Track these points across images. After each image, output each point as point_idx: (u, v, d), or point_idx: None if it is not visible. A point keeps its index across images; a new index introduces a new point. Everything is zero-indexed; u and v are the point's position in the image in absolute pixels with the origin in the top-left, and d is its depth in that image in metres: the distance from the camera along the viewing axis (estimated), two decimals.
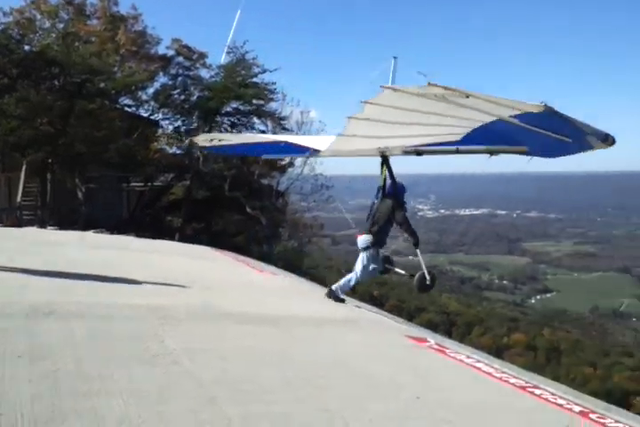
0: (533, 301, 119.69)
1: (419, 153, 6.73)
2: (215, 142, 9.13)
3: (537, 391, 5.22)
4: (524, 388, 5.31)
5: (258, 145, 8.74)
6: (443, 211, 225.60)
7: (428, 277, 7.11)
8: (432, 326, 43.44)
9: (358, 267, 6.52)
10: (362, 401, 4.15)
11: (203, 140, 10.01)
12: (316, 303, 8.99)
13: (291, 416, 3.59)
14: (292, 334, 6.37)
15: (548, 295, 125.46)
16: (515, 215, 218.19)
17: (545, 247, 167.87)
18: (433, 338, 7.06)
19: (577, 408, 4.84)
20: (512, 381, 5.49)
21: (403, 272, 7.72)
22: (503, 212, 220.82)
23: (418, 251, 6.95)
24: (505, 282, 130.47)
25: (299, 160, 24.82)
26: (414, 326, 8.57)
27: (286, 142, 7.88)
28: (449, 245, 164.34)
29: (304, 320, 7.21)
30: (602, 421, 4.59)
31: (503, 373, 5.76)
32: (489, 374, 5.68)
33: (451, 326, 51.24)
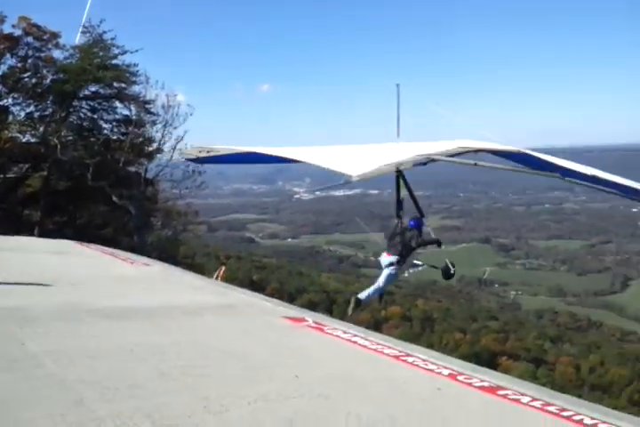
0: (407, 274, 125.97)
1: (425, 163, 6.88)
2: (204, 154, 8.40)
3: (410, 359, 5.49)
4: (397, 357, 5.56)
5: (255, 154, 8.03)
6: (318, 193, 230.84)
7: (452, 267, 7.51)
8: (313, 306, 44.39)
9: (382, 280, 6.60)
10: (241, 386, 4.12)
11: (192, 151, 9.02)
12: (191, 292, 8.80)
13: (166, 408, 3.47)
14: (166, 325, 6.17)
15: (420, 269, 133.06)
16: (386, 194, 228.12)
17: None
18: (311, 317, 7.18)
19: (446, 372, 5.15)
20: (386, 351, 5.73)
21: (420, 262, 8.03)
22: (375, 191, 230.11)
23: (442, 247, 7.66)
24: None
25: (167, 146, 24.07)
26: (293, 307, 8.66)
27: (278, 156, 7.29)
28: (326, 226, 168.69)
29: (180, 310, 7.02)
30: (468, 381, 4.93)
31: (378, 344, 5.98)
32: (364, 347, 5.88)
33: (331, 305, 52.67)
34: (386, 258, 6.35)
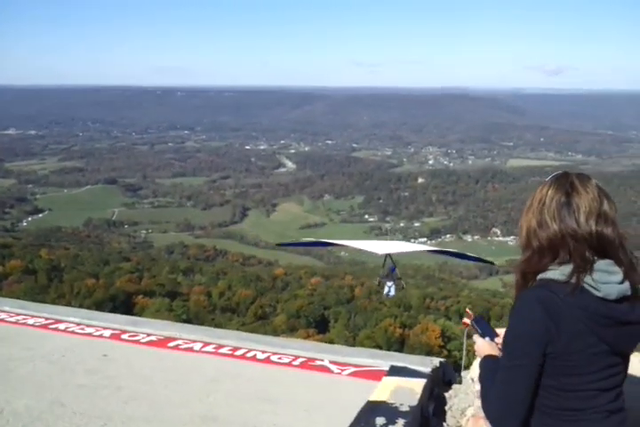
0: (25, 223, 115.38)
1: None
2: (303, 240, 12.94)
3: (62, 326, 4.75)
4: (45, 326, 4.75)
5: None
6: None
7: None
8: None
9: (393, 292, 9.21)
10: None
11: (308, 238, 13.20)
12: None
13: None
14: None
15: (41, 215, 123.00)
16: None
17: (30, 166, 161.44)
18: None
19: (108, 333, 4.63)
20: (31, 322, 4.84)
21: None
22: None
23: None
24: None
25: None
26: None
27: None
28: None
29: None
30: (134, 339, 4.52)
31: (18, 315, 5.02)
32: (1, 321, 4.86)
33: None
34: (389, 282, 9.09)
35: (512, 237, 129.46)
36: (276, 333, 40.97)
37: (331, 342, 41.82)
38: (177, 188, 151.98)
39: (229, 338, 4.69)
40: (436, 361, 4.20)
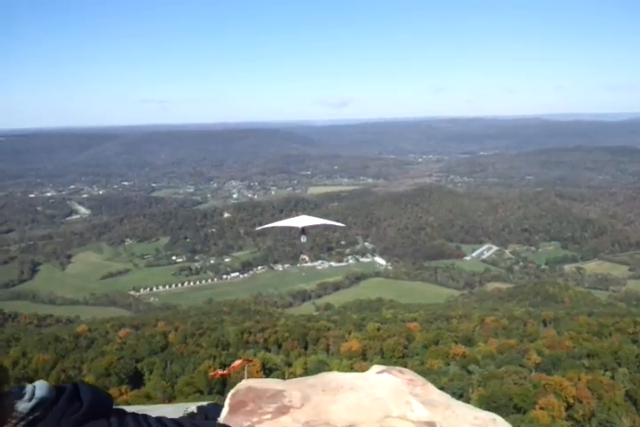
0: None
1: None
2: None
3: None
4: None
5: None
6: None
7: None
8: None
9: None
10: None
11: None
12: None
13: None
14: None
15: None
16: None
17: None
18: None
19: None
20: None
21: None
22: None
23: None
24: None
25: None
26: None
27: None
28: None
29: None
30: None
31: None
32: None
33: None
34: (303, 237, 12.43)
35: (320, 261, 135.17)
36: None
37: (147, 396, 38.75)
38: None
39: None
40: (193, 407, 4.06)
